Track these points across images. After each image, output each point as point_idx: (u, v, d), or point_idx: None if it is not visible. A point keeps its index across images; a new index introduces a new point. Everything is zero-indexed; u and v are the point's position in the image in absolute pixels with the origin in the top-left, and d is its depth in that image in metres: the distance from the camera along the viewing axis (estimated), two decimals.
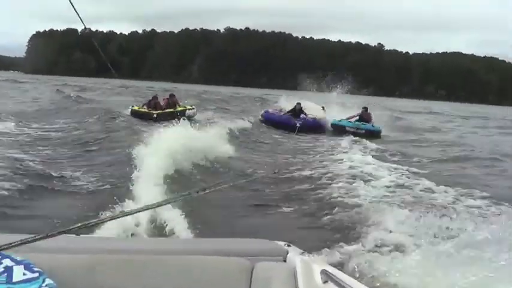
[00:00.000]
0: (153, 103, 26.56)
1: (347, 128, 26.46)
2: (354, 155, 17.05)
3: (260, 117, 30.01)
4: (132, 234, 7.11)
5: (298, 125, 25.75)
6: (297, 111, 28.25)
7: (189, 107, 28.24)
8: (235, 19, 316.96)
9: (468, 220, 8.43)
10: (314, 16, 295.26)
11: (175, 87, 75.34)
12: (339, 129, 26.77)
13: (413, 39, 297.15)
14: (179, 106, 27.21)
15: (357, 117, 27.75)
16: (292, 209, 9.87)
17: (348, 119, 27.94)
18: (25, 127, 19.92)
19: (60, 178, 10.96)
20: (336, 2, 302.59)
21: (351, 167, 14.50)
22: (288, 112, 28.99)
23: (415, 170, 14.55)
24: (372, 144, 21.02)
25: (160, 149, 12.16)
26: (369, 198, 10.36)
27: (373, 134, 26.25)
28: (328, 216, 9.10)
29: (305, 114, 28.04)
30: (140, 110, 26.43)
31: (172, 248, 2.85)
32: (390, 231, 7.86)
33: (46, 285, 2.06)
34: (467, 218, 8.73)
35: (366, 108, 28.44)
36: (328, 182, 12.25)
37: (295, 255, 2.83)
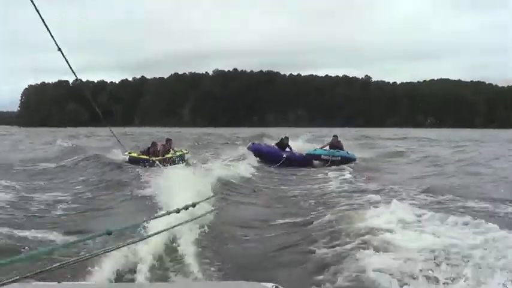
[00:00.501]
0: (152, 150, 25.60)
1: (322, 156, 26.55)
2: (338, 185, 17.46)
3: (247, 148, 29.63)
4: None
5: (284, 156, 25.89)
6: (284, 144, 28.10)
7: (184, 151, 27.47)
8: (224, 61, 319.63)
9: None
10: (300, 53, 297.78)
11: (168, 131, 75.56)
12: (314, 159, 26.92)
13: (400, 69, 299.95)
14: (174, 151, 26.24)
15: (328, 146, 27.86)
16: (280, 246, 9.47)
17: (321, 148, 28.11)
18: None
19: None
20: (321, 39, 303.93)
21: (338, 195, 14.88)
22: (275, 145, 28.78)
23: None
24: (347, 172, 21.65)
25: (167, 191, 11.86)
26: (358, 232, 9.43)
27: (349, 161, 26.50)
28: (317, 254, 8.57)
29: (290, 148, 27.90)
30: (140, 156, 25.09)
31: None
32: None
33: None
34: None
35: (336, 136, 28.60)
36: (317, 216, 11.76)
37: None
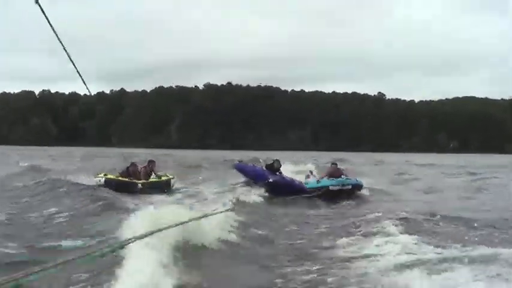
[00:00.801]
0: (131, 170, 24.58)
1: (330, 187, 25.39)
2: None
3: (233, 165, 30.26)
4: None
5: (270, 180, 25.46)
6: (275, 168, 27.51)
7: (169, 175, 27.07)
8: (215, 73, 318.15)
9: None
10: (303, 64, 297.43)
11: (149, 153, 75.20)
12: (321, 191, 25.41)
13: (417, 85, 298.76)
14: (157, 175, 25.61)
15: (326, 177, 26.95)
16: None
17: (321, 178, 27.25)
18: None
19: None
20: (327, 48, 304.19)
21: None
22: (266, 167, 28.18)
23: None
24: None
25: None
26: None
27: (357, 189, 26.10)
28: None
29: (280, 173, 27.31)
30: (119, 179, 23.77)
31: None
32: None
33: None
34: None
35: (335, 164, 28.52)
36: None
37: None
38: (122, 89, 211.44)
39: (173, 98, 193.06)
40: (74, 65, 7.98)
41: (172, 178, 26.82)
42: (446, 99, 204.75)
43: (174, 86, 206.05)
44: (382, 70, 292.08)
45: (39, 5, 7.53)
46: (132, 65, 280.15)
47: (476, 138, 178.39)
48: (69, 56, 7.80)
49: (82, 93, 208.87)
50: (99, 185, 22.97)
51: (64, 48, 7.56)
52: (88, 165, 43.85)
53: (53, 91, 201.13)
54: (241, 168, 29.12)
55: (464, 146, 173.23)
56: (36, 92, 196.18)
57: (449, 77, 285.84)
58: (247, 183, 27.91)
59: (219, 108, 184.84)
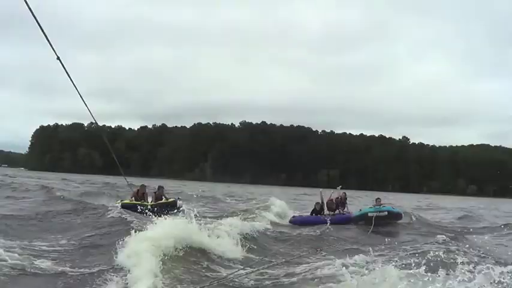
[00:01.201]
0: (140, 193, 26.71)
1: (369, 214, 27.36)
2: None
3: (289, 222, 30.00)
4: None
5: (328, 221, 26.20)
6: (318, 210, 29.33)
7: (180, 201, 28.46)
8: (249, 115, 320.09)
9: None
10: (332, 113, 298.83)
11: (185, 184, 75.66)
12: (362, 218, 27.83)
13: (436, 133, 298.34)
14: (166, 198, 27.38)
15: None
16: None
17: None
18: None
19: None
20: (354, 100, 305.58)
21: None
22: (312, 213, 29.71)
23: None
24: None
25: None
26: None
27: (394, 216, 28.31)
28: None
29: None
30: (131, 202, 25.96)
31: None
32: None
33: None
34: None
35: (379, 199, 29.89)
36: None
37: None
38: (163, 124, 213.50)
39: (210, 135, 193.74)
40: (84, 102, 8.28)
41: (179, 199, 28.74)
42: (462, 145, 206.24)
43: (211, 123, 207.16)
44: (400, 120, 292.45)
45: (60, 61, 7.92)
46: (172, 106, 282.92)
47: (493, 183, 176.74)
48: (80, 95, 8.13)
49: (127, 127, 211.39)
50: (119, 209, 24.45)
51: (77, 90, 7.90)
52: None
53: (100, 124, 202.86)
54: (300, 221, 29.02)
55: (481, 191, 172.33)
56: (85, 124, 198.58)
57: (459, 127, 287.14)
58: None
59: (253, 147, 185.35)
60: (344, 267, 12.33)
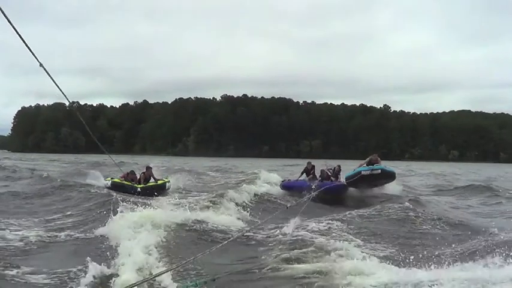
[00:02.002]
0: (130, 178, 26.42)
1: (362, 172, 26.50)
2: None
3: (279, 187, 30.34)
4: None
5: (313, 186, 25.68)
6: (309, 169, 29.18)
7: (165, 179, 28.63)
8: (231, 89, 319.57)
9: None
10: (313, 85, 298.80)
11: (169, 161, 75.52)
12: (356, 176, 26.84)
13: (413, 101, 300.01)
14: (155, 178, 27.20)
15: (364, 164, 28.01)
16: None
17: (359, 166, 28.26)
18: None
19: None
20: (335, 71, 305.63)
21: None
22: (302, 173, 29.64)
23: None
24: None
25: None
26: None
27: (388, 176, 27.25)
28: None
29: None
30: (123, 182, 25.88)
31: None
32: None
33: None
34: None
35: (375, 155, 28.82)
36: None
37: None
38: (144, 100, 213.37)
39: (192, 109, 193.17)
40: (55, 83, 8.26)
41: (168, 182, 28.29)
42: (444, 112, 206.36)
43: (192, 98, 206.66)
44: (380, 89, 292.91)
45: (44, 68, 8.00)
46: (154, 82, 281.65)
47: (474, 149, 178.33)
48: (50, 76, 8.12)
49: (109, 105, 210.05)
50: (107, 187, 25.69)
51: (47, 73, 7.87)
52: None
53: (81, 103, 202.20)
54: (287, 186, 29.00)
55: (463, 156, 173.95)
56: (67, 104, 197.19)
57: (440, 93, 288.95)
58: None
59: (235, 121, 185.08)
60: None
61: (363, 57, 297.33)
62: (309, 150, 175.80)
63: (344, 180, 28.44)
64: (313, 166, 29.59)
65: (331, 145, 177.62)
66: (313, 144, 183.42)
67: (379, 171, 26.54)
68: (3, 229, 14.03)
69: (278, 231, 14.66)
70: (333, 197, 25.52)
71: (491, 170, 78.69)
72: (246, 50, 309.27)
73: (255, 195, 24.63)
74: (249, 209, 19.90)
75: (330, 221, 16.08)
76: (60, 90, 7.61)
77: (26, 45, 8.37)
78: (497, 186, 34.69)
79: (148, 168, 28.05)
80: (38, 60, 8.23)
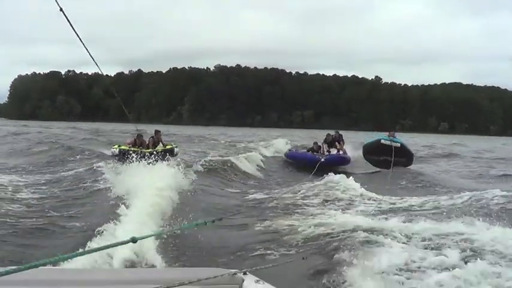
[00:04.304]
0: (139, 142, 26.35)
1: (382, 141, 27.18)
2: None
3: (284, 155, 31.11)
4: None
5: (323, 160, 26.19)
6: (315, 149, 29.29)
7: (173, 145, 28.37)
8: (225, 59, 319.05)
9: None
10: (306, 55, 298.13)
11: (167, 130, 75.62)
12: (375, 145, 27.70)
13: (406, 72, 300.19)
14: (163, 143, 27.17)
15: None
16: (255, 238, 10.84)
17: None
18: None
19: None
20: (326, 40, 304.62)
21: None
22: (308, 151, 29.83)
23: None
24: None
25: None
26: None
27: (407, 154, 27.84)
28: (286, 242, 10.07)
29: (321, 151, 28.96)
30: (130, 148, 25.31)
31: (129, 279, 2.97)
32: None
33: None
34: None
35: (393, 132, 29.41)
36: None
37: (250, 283, 3.05)
38: (139, 70, 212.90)
39: (186, 79, 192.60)
40: (86, 48, 8.11)
41: (176, 147, 28.15)
42: (435, 84, 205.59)
43: (187, 68, 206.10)
44: (374, 60, 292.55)
45: (64, 13, 7.82)
46: (149, 52, 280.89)
47: (464, 121, 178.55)
48: (81, 41, 7.94)
49: (104, 75, 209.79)
50: (115, 155, 25.63)
51: (78, 37, 7.72)
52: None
53: (77, 72, 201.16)
54: (293, 156, 30.09)
55: (453, 128, 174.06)
56: (62, 73, 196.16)
57: (433, 66, 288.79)
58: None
59: (229, 90, 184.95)
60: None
61: (357, 27, 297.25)
62: (301, 121, 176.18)
63: (350, 149, 29.02)
64: (320, 147, 29.56)
65: (323, 116, 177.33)
66: (305, 114, 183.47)
67: (399, 144, 27.10)
68: None
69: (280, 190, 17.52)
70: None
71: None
72: (239, 20, 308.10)
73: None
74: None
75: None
76: (79, 37, 7.52)
77: (73, 28, 8.18)
78: None
79: (157, 132, 27.77)
80: (59, 5, 8.13)
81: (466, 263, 7.77)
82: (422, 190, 19.63)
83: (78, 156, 27.47)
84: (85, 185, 17.05)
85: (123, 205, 11.37)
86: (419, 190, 19.64)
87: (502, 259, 7.92)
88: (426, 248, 8.73)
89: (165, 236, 9.63)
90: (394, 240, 9.14)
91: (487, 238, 8.88)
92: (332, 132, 30.49)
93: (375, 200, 15.56)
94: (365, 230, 9.92)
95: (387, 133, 28.72)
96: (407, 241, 9.25)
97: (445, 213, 12.28)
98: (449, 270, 7.43)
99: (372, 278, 7.19)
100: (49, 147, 33.35)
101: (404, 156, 27.21)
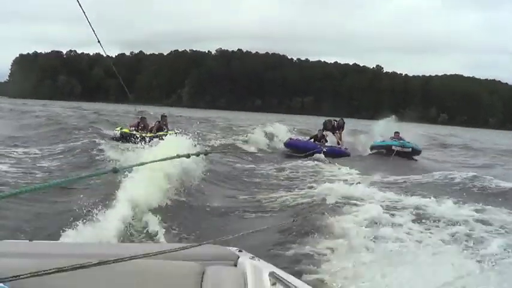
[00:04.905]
0: (142, 125, 26.45)
1: (393, 147, 26.96)
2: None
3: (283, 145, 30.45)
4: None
5: (325, 150, 26.23)
6: (318, 137, 29.03)
7: (177, 130, 27.90)
8: (226, 43, 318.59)
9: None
10: (308, 40, 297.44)
11: (165, 113, 75.46)
12: (384, 148, 27.62)
13: (410, 62, 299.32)
14: (168, 129, 26.76)
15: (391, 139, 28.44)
16: (251, 215, 11.12)
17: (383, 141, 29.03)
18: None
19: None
20: (329, 26, 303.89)
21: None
22: (311, 138, 29.72)
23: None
24: None
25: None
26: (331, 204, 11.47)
27: (416, 153, 27.82)
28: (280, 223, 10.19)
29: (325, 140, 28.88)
30: (132, 132, 25.71)
31: (122, 253, 2.88)
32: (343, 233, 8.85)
33: None
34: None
35: (397, 133, 28.91)
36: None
37: (245, 260, 3.02)
38: (140, 51, 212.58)
39: (188, 62, 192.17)
40: (91, 27, 8.05)
41: (179, 132, 27.62)
42: (436, 75, 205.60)
43: (188, 50, 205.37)
44: (375, 48, 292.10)
45: None
46: (151, 34, 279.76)
47: (464, 113, 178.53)
48: (88, 20, 7.92)
49: (105, 55, 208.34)
50: (116, 137, 25.72)
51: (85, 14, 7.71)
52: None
53: (79, 52, 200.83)
54: (295, 145, 29.24)
55: (452, 120, 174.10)
56: (64, 52, 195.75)
57: (435, 57, 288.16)
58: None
59: (229, 74, 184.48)
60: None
61: (360, 15, 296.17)
62: (301, 107, 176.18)
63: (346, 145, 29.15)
64: (324, 135, 29.34)
65: (323, 103, 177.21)
66: (305, 101, 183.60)
67: (410, 149, 27.12)
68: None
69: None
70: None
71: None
72: (242, 4, 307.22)
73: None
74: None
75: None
76: (84, 13, 7.56)
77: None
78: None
79: (164, 117, 27.99)
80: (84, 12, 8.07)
81: (413, 222, 9.87)
82: (406, 170, 21.06)
83: (81, 132, 27.89)
84: (92, 152, 19.26)
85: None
86: (403, 170, 20.87)
87: (437, 222, 9.81)
88: (389, 210, 10.77)
89: (148, 167, 9.81)
90: (365, 204, 11.19)
91: (437, 210, 10.97)
92: (336, 119, 30.63)
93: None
94: (343, 197, 11.90)
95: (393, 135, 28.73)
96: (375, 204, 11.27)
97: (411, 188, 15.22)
98: (401, 226, 9.43)
99: (346, 229, 8.85)
100: (54, 124, 34.93)
101: (412, 154, 27.57)
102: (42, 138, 26.76)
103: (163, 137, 25.23)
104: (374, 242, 8.14)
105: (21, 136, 27.33)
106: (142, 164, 8.57)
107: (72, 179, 5.56)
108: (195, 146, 15.62)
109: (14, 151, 20.30)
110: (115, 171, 2.76)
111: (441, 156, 34.06)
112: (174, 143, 15.45)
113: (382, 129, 32.79)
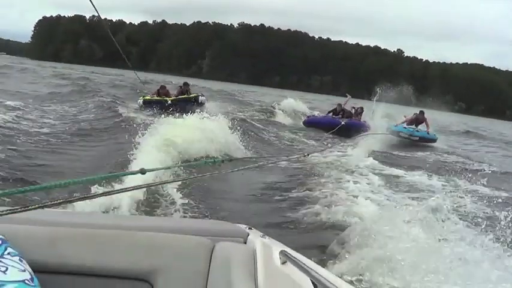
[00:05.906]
0: (162, 92, 26.60)
1: (400, 133, 26.69)
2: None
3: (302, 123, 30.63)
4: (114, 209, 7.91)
5: (343, 123, 26.39)
6: (337, 111, 29.53)
7: (202, 96, 27.99)
8: (249, 16, 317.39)
9: None
10: (331, 19, 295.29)
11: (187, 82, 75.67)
12: (395, 135, 26.78)
13: (432, 47, 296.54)
14: (190, 94, 27.32)
15: (407, 122, 28.10)
16: (265, 196, 11.01)
17: (403, 122, 28.34)
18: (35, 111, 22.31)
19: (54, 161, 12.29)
20: (353, 6, 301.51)
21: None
22: (329, 113, 30.39)
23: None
24: None
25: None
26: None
27: (428, 142, 27.23)
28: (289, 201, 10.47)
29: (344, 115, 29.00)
30: (152, 98, 26.32)
31: (134, 225, 3.02)
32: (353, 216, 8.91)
33: (8, 253, 2.10)
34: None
35: (422, 112, 28.45)
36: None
37: (255, 238, 3.01)
38: (163, 20, 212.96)
39: (209, 34, 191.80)
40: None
41: (201, 96, 27.99)
42: (457, 63, 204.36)
43: (210, 22, 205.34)
44: (396, 31, 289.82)
45: None
46: (174, 2, 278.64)
47: (481, 103, 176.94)
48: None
49: (128, 22, 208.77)
50: (141, 106, 26.33)
51: None
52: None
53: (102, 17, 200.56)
54: (312, 122, 29.69)
55: (469, 109, 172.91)
56: (87, 17, 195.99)
57: (457, 44, 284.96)
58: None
59: (250, 49, 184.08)
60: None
61: None
62: (319, 85, 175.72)
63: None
64: (343, 109, 29.73)
65: (341, 83, 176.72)
66: (324, 79, 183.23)
67: (417, 138, 26.73)
68: None
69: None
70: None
71: None
72: None
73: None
74: None
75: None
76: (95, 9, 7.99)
77: None
78: None
79: (186, 83, 28.31)
80: None
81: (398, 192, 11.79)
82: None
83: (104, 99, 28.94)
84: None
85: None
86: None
87: (420, 192, 11.89)
88: (386, 184, 12.66)
89: (175, 171, 10.20)
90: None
91: (424, 184, 13.05)
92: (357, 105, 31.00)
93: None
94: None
95: (412, 116, 28.24)
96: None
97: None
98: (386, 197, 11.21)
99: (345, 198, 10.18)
100: (81, 86, 38.97)
101: (426, 141, 27.12)
102: (73, 96, 30.49)
103: (194, 100, 25.90)
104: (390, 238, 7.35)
105: (57, 93, 32.03)
106: (168, 167, 9.58)
107: (101, 176, 5.83)
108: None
109: (55, 109, 23.61)
110: (143, 172, 2.81)
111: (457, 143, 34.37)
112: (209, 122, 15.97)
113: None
